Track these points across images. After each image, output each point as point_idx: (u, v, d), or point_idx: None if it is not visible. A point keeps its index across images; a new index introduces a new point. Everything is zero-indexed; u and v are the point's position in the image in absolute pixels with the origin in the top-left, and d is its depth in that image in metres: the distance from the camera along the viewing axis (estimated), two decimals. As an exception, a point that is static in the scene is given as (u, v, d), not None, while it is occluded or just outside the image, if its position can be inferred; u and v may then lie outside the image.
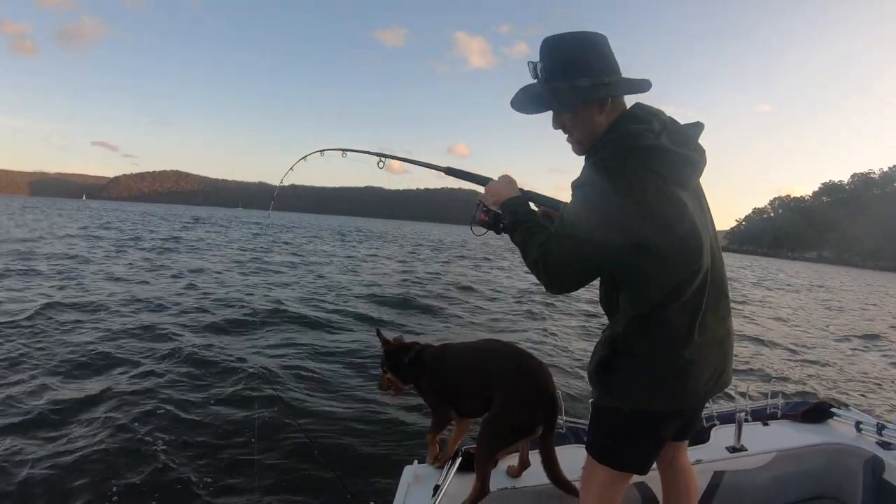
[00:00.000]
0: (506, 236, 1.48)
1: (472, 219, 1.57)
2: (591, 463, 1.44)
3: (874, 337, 10.99)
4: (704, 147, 1.33)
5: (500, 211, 1.50)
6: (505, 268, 20.19)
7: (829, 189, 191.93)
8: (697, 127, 1.33)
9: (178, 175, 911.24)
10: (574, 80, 1.26)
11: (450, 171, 1.75)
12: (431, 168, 1.79)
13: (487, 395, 1.81)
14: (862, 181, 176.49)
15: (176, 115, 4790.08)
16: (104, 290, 8.94)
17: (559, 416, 2.03)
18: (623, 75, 1.31)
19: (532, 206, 1.50)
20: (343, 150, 1.99)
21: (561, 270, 1.24)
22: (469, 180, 1.69)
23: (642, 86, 1.32)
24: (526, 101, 1.35)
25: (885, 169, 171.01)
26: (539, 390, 1.79)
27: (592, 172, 1.23)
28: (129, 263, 13.18)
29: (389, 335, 2.18)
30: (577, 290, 1.27)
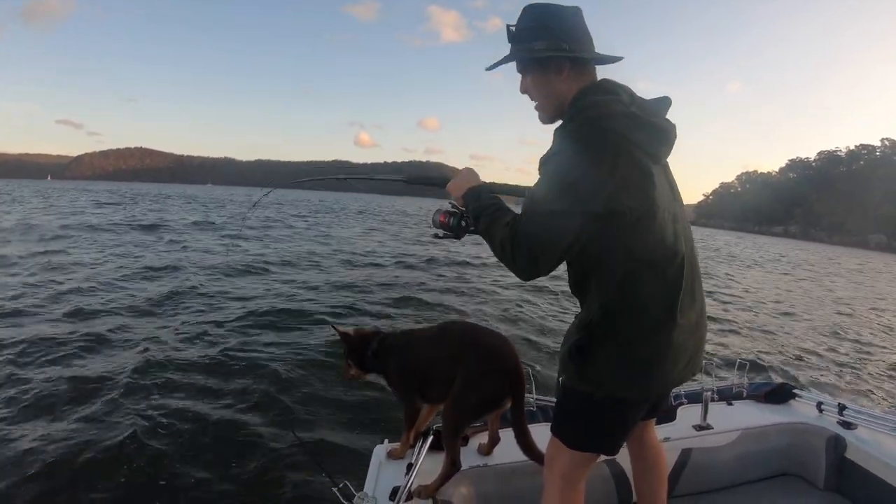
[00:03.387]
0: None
1: (431, 222, 1.50)
2: (556, 444, 1.41)
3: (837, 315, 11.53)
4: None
5: (463, 208, 1.44)
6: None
7: (796, 165, 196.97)
8: (665, 101, 1.32)
9: (143, 152, 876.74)
10: (531, 43, 1.28)
11: (410, 181, 1.67)
12: (389, 180, 1.73)
13: (451, 376, 1.76)
14: (828, 159, 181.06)
15: (141, 92, 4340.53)
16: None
17: (530, 396, 2.07)
18: (597, 51, 1.31)
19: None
20: (309, 180, 2.12)
21: (532, 250, 1.16)
22: (430, 185, 1.61)
23: (605, 58, 1.32)
24: (497, 62, 1.37)
25: (852, 147, 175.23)
26: (500, 362, 1.76)
27: (561, 142, 1.20)
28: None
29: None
30: (549, 272, 1.20)
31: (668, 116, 1.32)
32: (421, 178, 1.65)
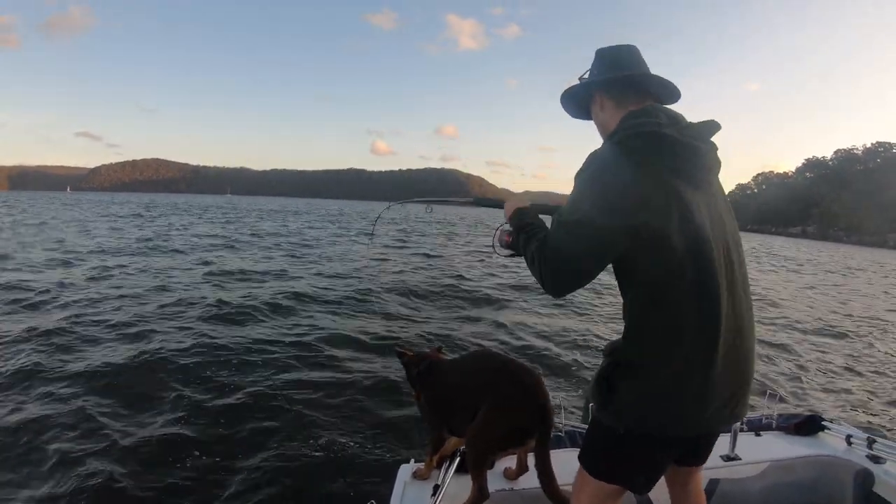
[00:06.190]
0: None
1: (494, 238, 1.56)
2: (582, 473, 1.38)
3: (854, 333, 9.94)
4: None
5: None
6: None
7: (813, 165, 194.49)
8: (710, 125, 1.29)
9: (159, 163, 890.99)
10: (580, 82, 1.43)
11: (477, 202, 1.84)
12: (459, 204, 1.98)
13: (477, 408, 1.74)
14: (845, 157, 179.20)
15: (161, 103, 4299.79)
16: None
17: (557, 421, 2.04)
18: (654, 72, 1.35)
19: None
20: (402, 203, 2.28)
21: (559, 263, 1.19)
22: (492, 206, 1.74)
23: (642, 82, 1.34)
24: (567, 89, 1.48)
25: (868, 145, 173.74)
26: (525, 398, 1.71)
27: (591, 158, 1.23)
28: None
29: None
30: (577, 287, 1.20)
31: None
32: (485, 201, 1.80)
